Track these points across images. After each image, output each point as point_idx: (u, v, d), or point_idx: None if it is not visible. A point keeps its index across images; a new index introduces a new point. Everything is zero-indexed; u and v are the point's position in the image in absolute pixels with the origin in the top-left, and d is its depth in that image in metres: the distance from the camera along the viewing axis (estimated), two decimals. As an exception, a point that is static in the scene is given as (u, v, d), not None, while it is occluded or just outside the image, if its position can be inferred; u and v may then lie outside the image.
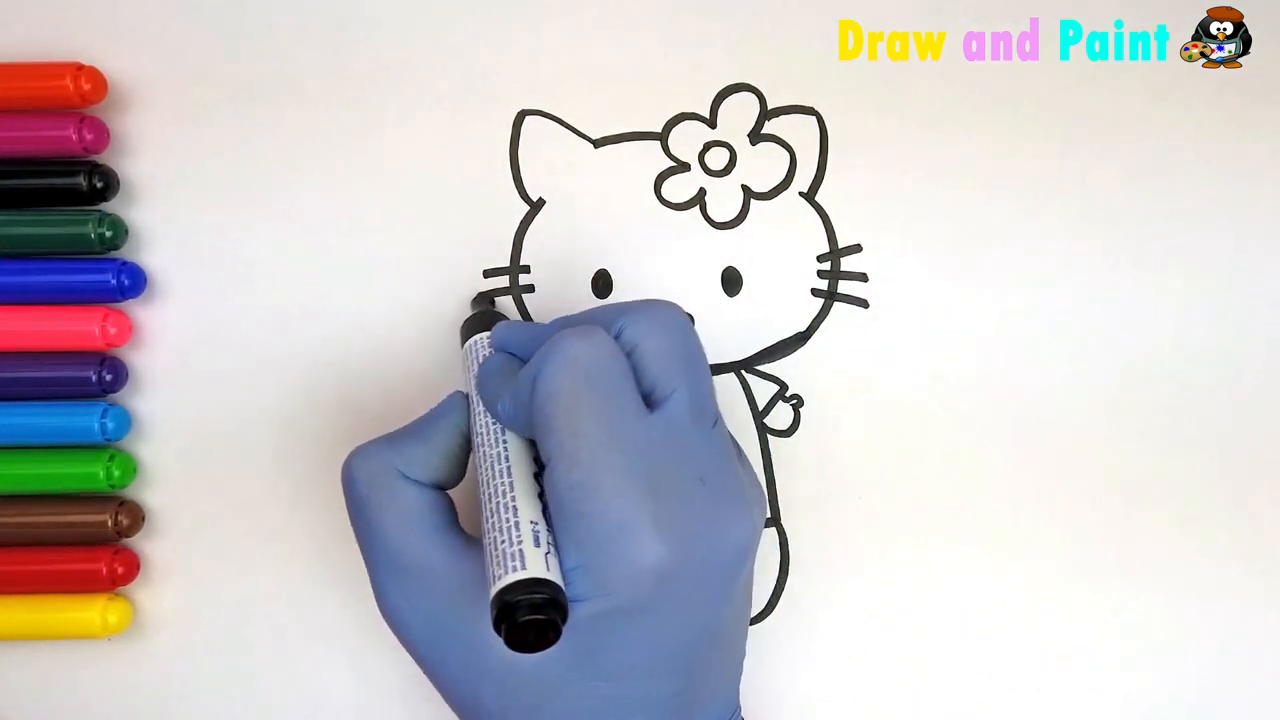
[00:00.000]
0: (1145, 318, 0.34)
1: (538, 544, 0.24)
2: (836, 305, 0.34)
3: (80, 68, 0.32)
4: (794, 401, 0.34)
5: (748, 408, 0.34)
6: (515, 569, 0.23)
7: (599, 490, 0.24)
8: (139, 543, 0.34)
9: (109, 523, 0.33)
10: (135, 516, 0.34)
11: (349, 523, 0.28)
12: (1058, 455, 0.34)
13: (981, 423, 0.34)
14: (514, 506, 0.25)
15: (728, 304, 0.34)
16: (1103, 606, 0.34)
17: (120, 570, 0.33)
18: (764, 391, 0.34)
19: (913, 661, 0.34)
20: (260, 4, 0.34)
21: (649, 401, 0.26)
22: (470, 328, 0.31)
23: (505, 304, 0.34)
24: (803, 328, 0.34)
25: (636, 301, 0.28)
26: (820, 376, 0.34)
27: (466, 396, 0.29)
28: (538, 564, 0.24)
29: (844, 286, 0.34)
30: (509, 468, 0.26)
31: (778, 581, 0.34)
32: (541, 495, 0.26)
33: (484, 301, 0.33)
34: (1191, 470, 0.34)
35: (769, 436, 0.34)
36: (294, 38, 0.34)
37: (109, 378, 0.33)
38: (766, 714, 0.34)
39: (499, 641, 0.23)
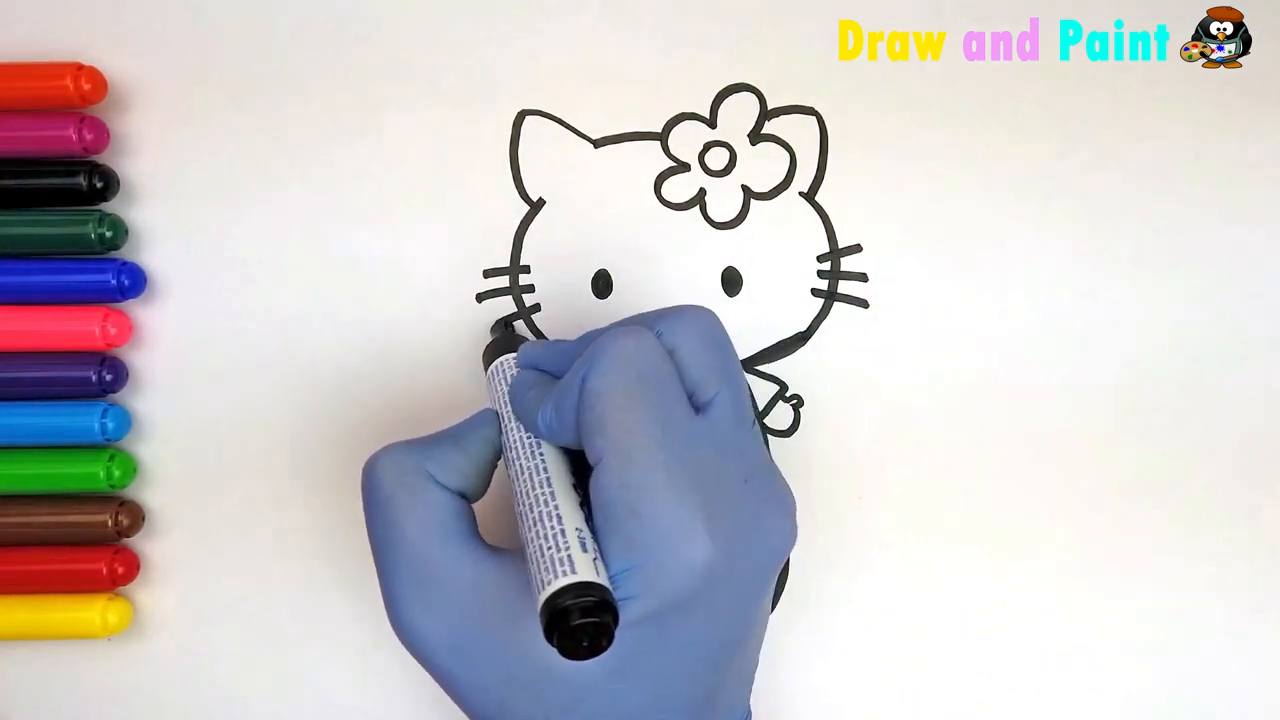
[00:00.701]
0: (1145, 318, 0.34)
1: (585, 549, 0.24)
2: (836, 305, 0.34)
3: (80, 68, 0.32)
4: (794, 401, 0.34)
5: (748, 408, 0.34)
6: (565, 573, 0.23)
7: (655, 488, 0.24)
8: (139, 543, 0.34)
9: (109, 523, 0.33)
10: (135, 516, 0.34)
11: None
12: (1058, 455, 0.34)
13: (981, 423, 0.34)
14: (558, 515, 0.25)
15: (728, 304, 0.34)
16: (1103, 606, 0.34)
17: (120, 570, 0.33)
18: (764, 392, 0.34)
19: (913, 661, 0.34)
20: (260, 4, 0.34)
21: (692, 404, 0.26)
22: (493, 352, 0.31)
23: (506, 305, 0.34)
24: (803, 328, 0.34)
25: (668, 308, 0.28)
26: (820, 376, 0.34)
27: (497, 414, 0.29)
28: (587, 568, 0.23)
29: (844, 286, 0.34)
30: (548, 478, 0.26)
31: (778, 582, 0.34)
32: (582, 505, 0.26)
33: (502, 326, 0.33)
34: (1192, 470, 0.34)
35: (769, 437, 0.34)
36: (294, 38, 0.34)
37: (109, 378, 0.33)
38: (766, 713, 0.34)
39: (532, 648, 0.23)
